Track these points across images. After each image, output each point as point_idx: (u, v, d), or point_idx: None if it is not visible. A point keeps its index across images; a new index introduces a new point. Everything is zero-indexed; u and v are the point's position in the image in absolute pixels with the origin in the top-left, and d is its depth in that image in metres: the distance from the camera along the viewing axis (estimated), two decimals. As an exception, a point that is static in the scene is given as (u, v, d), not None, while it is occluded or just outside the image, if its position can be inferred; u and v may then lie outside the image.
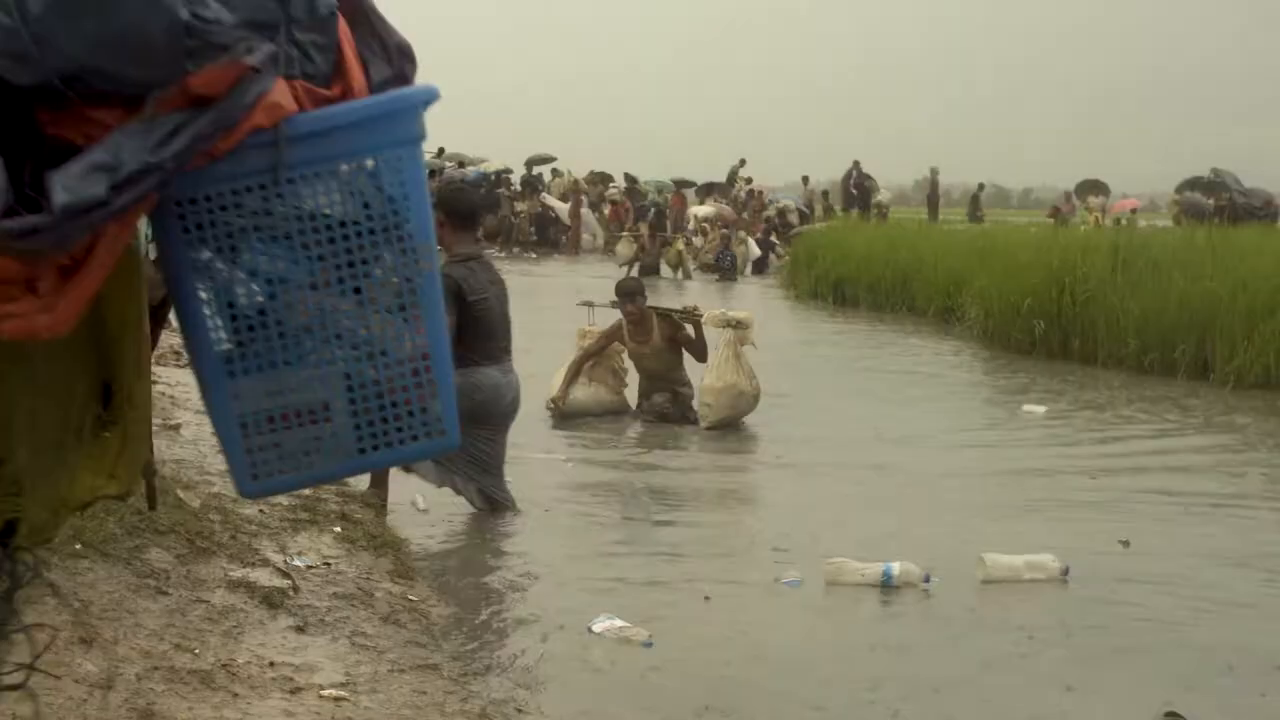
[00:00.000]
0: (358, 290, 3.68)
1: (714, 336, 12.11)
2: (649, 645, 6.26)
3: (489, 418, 8.36)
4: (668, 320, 12.28)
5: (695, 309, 12.46)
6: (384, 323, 3.74)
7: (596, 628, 6.39)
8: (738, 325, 12.07)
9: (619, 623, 6.43)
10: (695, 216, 36.81)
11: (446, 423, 3.73)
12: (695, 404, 12.02)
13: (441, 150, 47.28)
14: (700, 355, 12.14)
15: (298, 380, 3.64)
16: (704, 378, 11.88)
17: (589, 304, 12.78)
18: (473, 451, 8.31)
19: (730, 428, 11.91)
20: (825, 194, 46.23)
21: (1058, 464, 10.84)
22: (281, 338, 3.61)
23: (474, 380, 8.20)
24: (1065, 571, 7.46)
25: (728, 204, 43.75)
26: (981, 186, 50.83)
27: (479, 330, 8.35)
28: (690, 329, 12.21)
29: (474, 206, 9.08)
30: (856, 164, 46.59)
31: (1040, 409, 13.26)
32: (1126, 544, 8.21)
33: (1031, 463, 10.84)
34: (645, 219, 36.73)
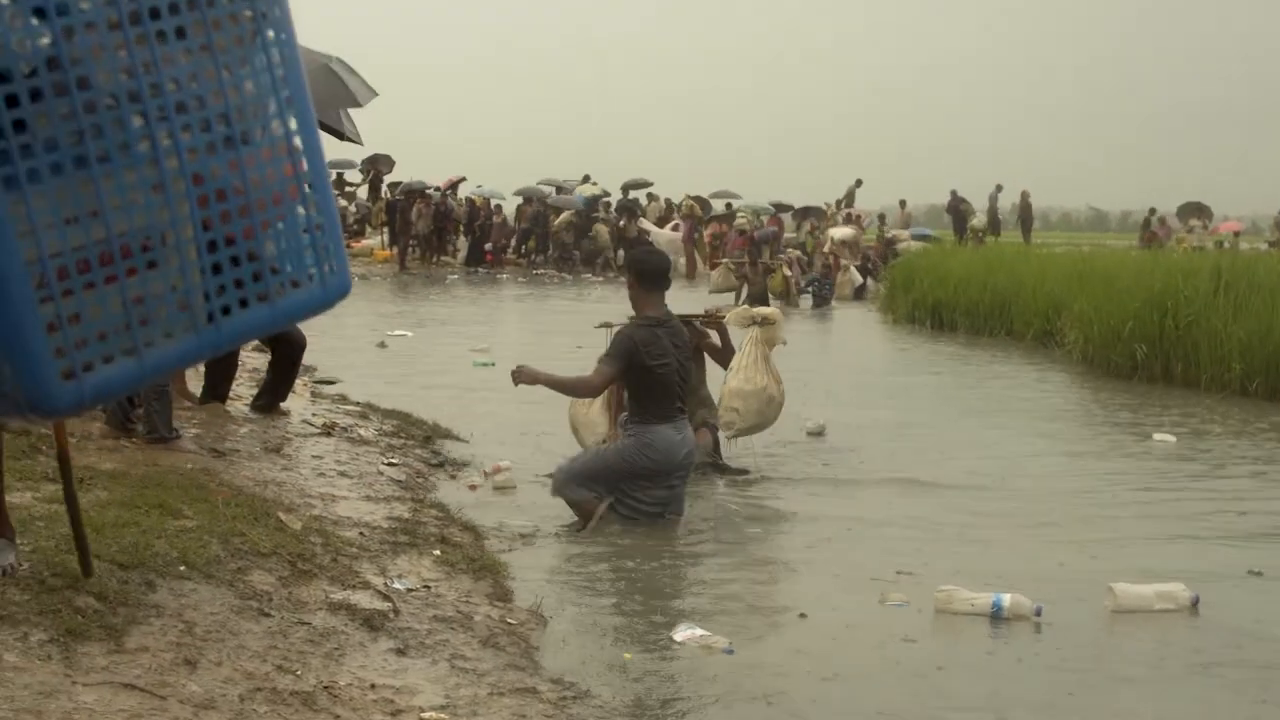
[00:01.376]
0: (181, 33, 2.36)
1: (738, 338, 11.16)
2: (730, 652, 6.32)
3: (659, 474, 8.78)
4: (690, 328, 10.74)
5: (717, 311, 11.61)
6: (237, 85, 2.46)
7: (678, 636, 6.47)
8: (763, 322, 10.93)
9: (699, 631, 6.51)
10: (833, 240, 36.51)
11: (336, 257, 2.66)
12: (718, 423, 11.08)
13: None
14: (728, 363, 10.86)
15: (120, 190, 2.31)
16: (728, 380, 10.75)
17: (608, 325, 11.16)
18: (641, 502, 8.78)
19: (837, 451, 11.65)
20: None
21: (1188, 494, 10.59)
22: (91, 113, 2.22)
23: (647, 439, 8.74)
24: (1195, 602, 7.27)
25: (822, 228, 43.58)
26: (1153, 211, 49.56)
27: (657, 391, 8.79)
28: (715, 336, 11.13)
29: (665, 269, 9.25)
30: (999, 188, 46.46)
31: (1171, 438, 12.88)
32: (1259, 574, 8.03)
33: (1163, 493, 10.60)
34: (773, 244, 36.23)
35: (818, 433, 12.38)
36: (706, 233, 41.20)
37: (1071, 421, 14.73)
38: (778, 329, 10.92)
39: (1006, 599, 7.05)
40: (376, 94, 10.62)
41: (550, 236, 43.34)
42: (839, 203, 47.61)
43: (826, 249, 35.62)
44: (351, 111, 10.91)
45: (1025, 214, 47.75)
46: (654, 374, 8.78)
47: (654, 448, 8.74)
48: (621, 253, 40.87)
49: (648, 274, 9.05)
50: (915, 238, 39.83)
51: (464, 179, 45.57)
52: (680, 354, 8.99)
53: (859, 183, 48.59)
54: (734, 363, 10.78)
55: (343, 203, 44.67)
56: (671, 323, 9.09)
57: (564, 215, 43.41)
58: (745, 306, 11.54)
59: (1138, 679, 6.33)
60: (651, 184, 49.07)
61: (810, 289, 31.75)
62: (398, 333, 20.96)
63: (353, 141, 10.92)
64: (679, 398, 8.96)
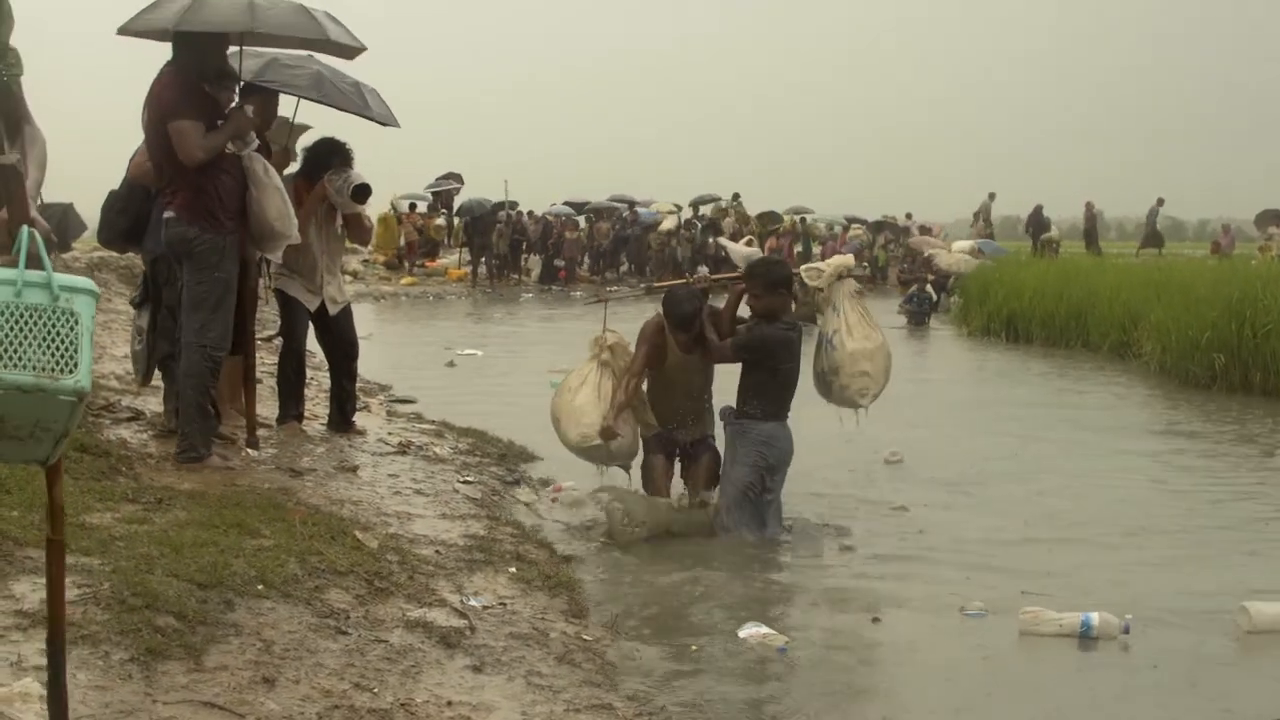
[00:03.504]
0: None
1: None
2: (783, 650, 6.47)
3: (779, 468, 9.01)
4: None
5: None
6: None
7: (742, 633, 6.64)
8: (848, 274, 9.43)
9: (764, 629, 6.67)
10: (947, 255, 36.09)
11: None
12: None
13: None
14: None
15: None
16: (844, 345, 9.21)
17: (603, 300, 10.19)
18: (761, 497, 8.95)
19: (919, 475, 11.20)
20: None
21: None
22: None
23: (763, 435, 8.95)
24: None
25: (897, 241, 43.44)
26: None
27: (780, 392, 9.03)
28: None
29: (790, 275, 9.46)
30: (1161, 202, 46.17)
31: None
32: None
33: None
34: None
35: (896, 461, 11.82)
36: (766, 246, 41.09)
37: (1175, 437, 14.21)
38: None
39: (1096, 618, 6.83)
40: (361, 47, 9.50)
41: (647, 250, 43.57)
42: (975, 215, 47.05)
43: (945, 264, 35.08)
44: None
45: (1090, 226, 47.37)
46: (780, 374, 9.00)
47: (771, 445, 8.93)
48: (703, 268, 40.93)
49: (778, 281, 9.20)
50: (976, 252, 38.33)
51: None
52: (797, 359, 9.13)
53: (992, 196, 47.27)
54: (837, 324, 9.27)
55: (438, 221, 44.93)
56: (797, 327, 9.27)
57: (666, 223, 43.71)
58: (820, 263, 9.83)
59: (1260, 702, 6.14)
60: (720, 198, 49.05)
61: (908, 306, 29.79)
62: (467, 351, 20.99)
63: (390, 124, 10.58)
64: (790, 399, 9.13)
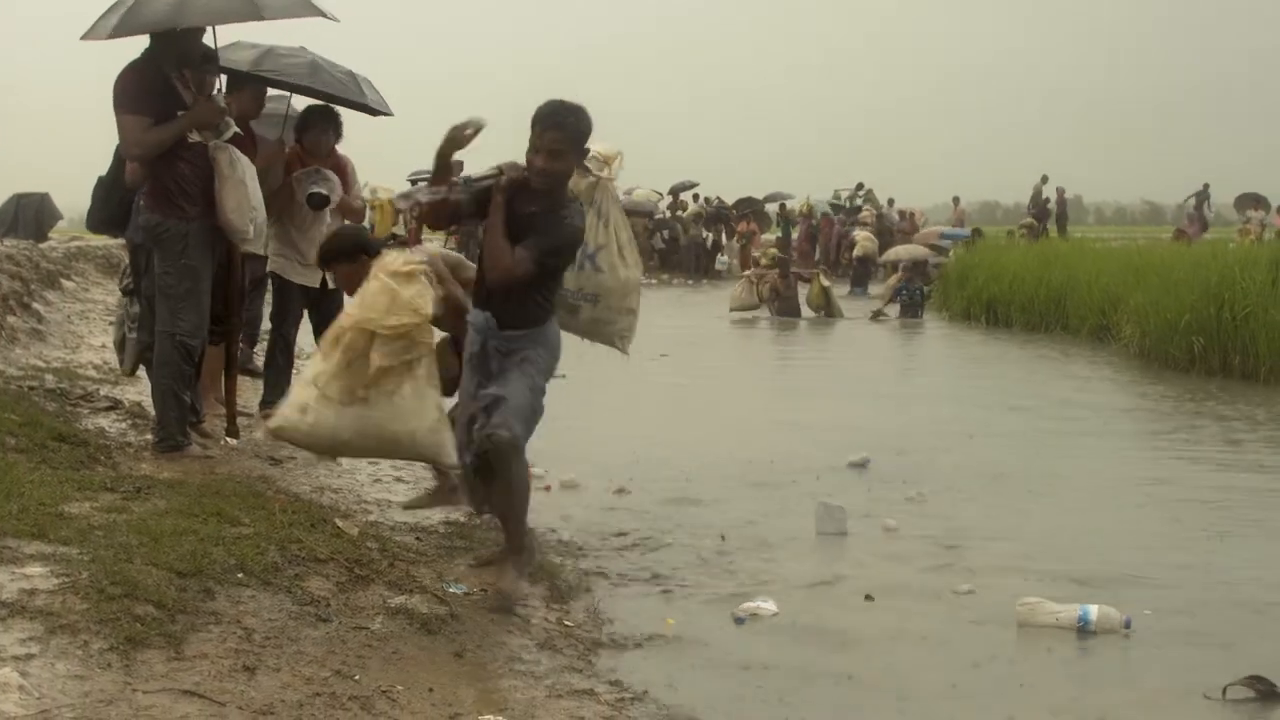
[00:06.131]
0: None
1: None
2: (741, 621, 6.76)
3: None
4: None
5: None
6: None
7: (737, 611, 6.87)
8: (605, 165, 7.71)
9: (755, 604, 6.89)
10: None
11: None
12: None
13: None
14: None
15: None
16: (615, 270, 7.75)
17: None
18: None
19: (891, 477, 10.54)
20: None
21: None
22: None
23: (559, 336, 6.93)
24: None
25: (872, 228, 43.46)
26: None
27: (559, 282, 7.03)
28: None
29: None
30: (1206, 187, 45.97)
31: None
32: None
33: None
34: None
35: (860, 464, 11.01)
36: (737, 231, 41.17)
37: (1165, 419, 14.03)
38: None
39: (1094, 611, 6.67)
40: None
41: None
42: (1032, 201, 46.71)
43: (863, 253, 34.78)
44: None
45: (1061, 210, 47.32)
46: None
47: (560, 348, 6.89)
48: (727, 259, 40.98)
49: (587, 134, 6.60)
50: (947, 237, 37.77)
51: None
52: None
53: (1045, 179, 46.33)
54: (605, 240, 7.70)
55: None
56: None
57: (692, 208, 43.68)
58: (601, 150, 7.62)
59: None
60: (698, 184, 48.97)
61: (900, 297, 27.42)
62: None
63: (383, 113, 10.56)
64: None
